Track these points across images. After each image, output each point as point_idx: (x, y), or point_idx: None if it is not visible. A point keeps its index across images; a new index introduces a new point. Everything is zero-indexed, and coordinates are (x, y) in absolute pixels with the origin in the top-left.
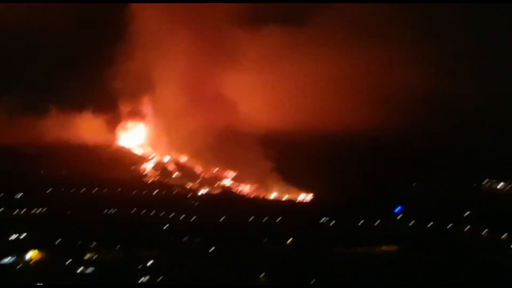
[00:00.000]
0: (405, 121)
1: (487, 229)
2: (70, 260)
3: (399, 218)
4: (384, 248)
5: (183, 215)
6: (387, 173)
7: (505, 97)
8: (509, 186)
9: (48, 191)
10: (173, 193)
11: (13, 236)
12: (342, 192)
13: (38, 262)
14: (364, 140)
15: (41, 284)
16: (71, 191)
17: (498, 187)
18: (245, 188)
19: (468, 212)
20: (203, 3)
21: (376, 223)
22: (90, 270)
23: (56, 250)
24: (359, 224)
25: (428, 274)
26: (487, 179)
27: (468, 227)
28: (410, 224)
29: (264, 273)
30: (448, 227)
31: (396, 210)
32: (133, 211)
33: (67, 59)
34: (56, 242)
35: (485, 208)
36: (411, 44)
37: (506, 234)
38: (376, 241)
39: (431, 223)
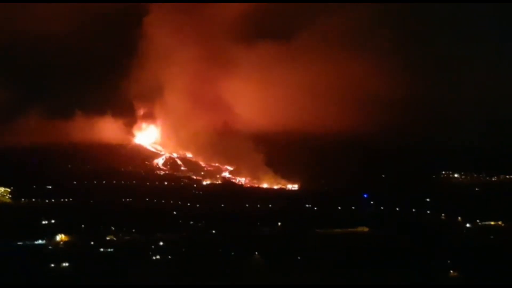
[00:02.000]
0: (378, 121)
1: (444, 213)
2: (93, 242)
3: (371, 204)
4: (358, 229)
5: (189, 203)
6: (361, 166)
7: (463, 101)
8: (463, 177)
9: (74, 183)
10: (181, 184)
11: (45, 222)
12: (323, 183)
13: (66, 244)
14: (342, 138)
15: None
16: (94, 183)
17: (454, 177)
18: (242, 180)
19: (429, 199)
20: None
21: (352, 208)
22: (110, 250)
23: (81, 234)
24: (337, 209)
25: (396, 250)
26: (444, 171)
27: (429, 211)
28: (380, 209)
29: (257, 252)
30: (412, 211)
31: (364, 196)
32: (146, 200)
33: (90, 70)
34: (81, 227)
35: (443, 196)
36: (387, 54)
37: (460, 217)
38: (351, 223)
39: (398, 208)
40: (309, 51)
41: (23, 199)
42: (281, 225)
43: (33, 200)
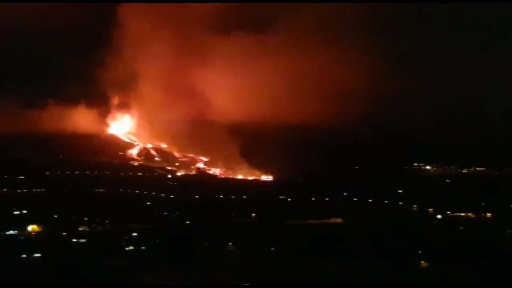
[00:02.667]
0: (352, 114)
1: (416, 205)
2: (65, 232)
3: (344, 196)
4: (331, 220)
5: (164, 193)
6: (335, 158)
7: (436, 95)
8: (434, 168)
9: (46, 173)
10: (155, 174)
11: (16, 212)
12: (297, 174)
13: (37, 234)
14: (317, 131)
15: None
16: (67, 173)
17: (426, 169)
18: (216, 171)
19: (401, 191)
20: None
21: (325, 199)
22: (83, 240)
23: (53, 224)
24: (311, 200)
25: (368, 241)
26: (416, 163)
27: (401, 203)
28: (354, 200)
29: (231, 242)
30: (385, 203)
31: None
32: (120, 190)
33: (64, 59)
34: (53, 218)
35: (415, 187)
36: (363, 47)
37: (431, 208)
38: (325, 214)
39: (371, 200)
40: (286, 44)
41: None
42: (255, 216)
43: (5, 190)
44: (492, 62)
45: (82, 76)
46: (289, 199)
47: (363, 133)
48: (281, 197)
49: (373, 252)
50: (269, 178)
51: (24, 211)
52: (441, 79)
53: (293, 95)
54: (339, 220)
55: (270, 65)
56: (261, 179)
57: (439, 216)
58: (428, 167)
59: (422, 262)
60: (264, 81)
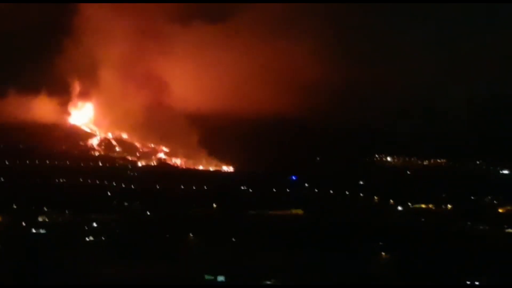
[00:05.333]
0: (313, 106)
1: (377, 196)
2: (24, 223)
3: (306, 187)
4: (292, 211)
5: (124, 184)
6: (296, 149)
7: (398, 87)
8: (395, 160)
9: (5, 163)
10: (116, 165)
11: None
12: (258, 165)
13: None
14: (278, 122)
15: None
16: (27, 163)
17: (387, 160)
18: (177, 161)
19: (362, 182)
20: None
21: (286, 191)
22: (42, 231)
23: (12, 214)
24: (272, 191)
25: (329, 232)
26: (377, 155)
27: (362, 194)
28: (315, 191)
29: (192, 233)
30: (346, 194)
31: (292, 178)
32: (80, 180)
33: (23, 47)
34: (12, 208)
35: (376, 179)
36: (325, 39)
37: (392, 200)
38: (286, 205)
39: (332, 191)
40: (246, 34)
41: None
42: (216, 206)
43: None
44: (453, 53)
45: (42, 64)
46: (250, 190)
47: (324, 125)
48: (242, 188)
49: (333, 243)
50: (230, 169)
51: None
52: (402, 71)
53: (253, 85)
54: (300, 212)
55: (230, 55)
56: (222, 170)
57: (400, 208)
58: (389, 159)
59: (383, 253)
60: (224, 70)
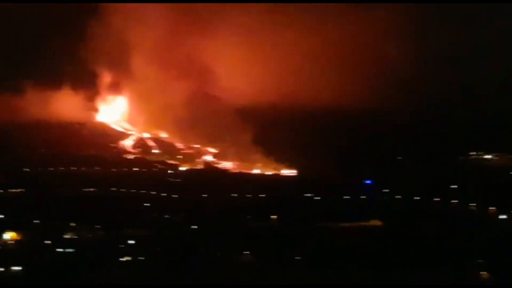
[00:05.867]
0: (392, 96)
1: (474, 203)
2: (49, 241)
3: (385, 193)
4: (369, 223)
5: (165, 192)
6: (372, 147)
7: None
8: (496, 158)
9: (25, 171)
10: (154, 170)
11: None
12: (325, 167)
13: (16, 243)
14: (349, 115)
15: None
16: (49, 170)
17: (486, 159)
18: (227, 164)
19: (454, 186)
20: None
21: (362, 198)
22: (69, 250)
23: (34, 231)
24: (344, 199)
25: (413, 248)
26: (474, 152)
27: (455, 201)
28: (396, 198)
29: (248, 251)
30: (435, 201)
31: (367, 182)
32: (112, 189)
33: (41, 33)
34: (34, 223)
35: (472, 181)
36: (404, 20)
37: (493, 207)
38: (361, 216)
39: (417, 197)
40: (307, 11)
41: None
42: (276, 218)
43: None
44: None
45: (65, 54)
46: (317, 198)
47: (405, 118)
48: (307, 195)
49: (421, 261)
50: (292, 172)
51: (0, 216)
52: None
53: (317, 73)
54: (378, 223)
55: (288, 36)
56: (282, 174)
57: (502, 217)
58: (488, 157)
59: (483, 273)
60: (281, 55)
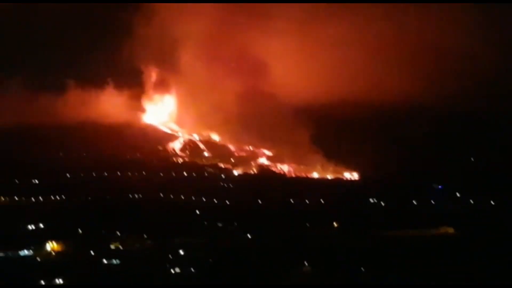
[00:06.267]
0: (460, 92)
1: None
2: (93, 251)
3: (457, 197)
4: (439, 230)
5: (217, 199)
6: (440, 148)
7: None
8: None
9: (67, 176)
10: (205, 174)
11: (31, 226)
12: (391, 170)
13: (58, 254)
14: (415, 113)
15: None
16: (93, 175)
17: None
18: (284, 168)
19: None
20: None
21: (431, 203)
22: (115, 261)
23: (78, 241)
24: (412, 204)
25: (489, 258)
26: None
27: None
28: (470, 203)
29: (307, 262)
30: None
31: (438, 186)
32: (161, 196)
33: (83, 29)
34: (78, 232)
35: None
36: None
37: None
38: (431, 223)
39: (493, 202)
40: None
41: (2, 198)
42: (337, 226)
43: (15, 198)
44: None
45: (108, 50)
46: (382, 204)
47: (478, 115)
48: (372, 200)
49: (497, 271)
50: (354, 176)
51: (41, 225)
52: None
53: (379, 67)
54: (450, 230)
55: (348, 28)
56: (344, 178)
57: None
58: None
59: None
60: (340, 49)
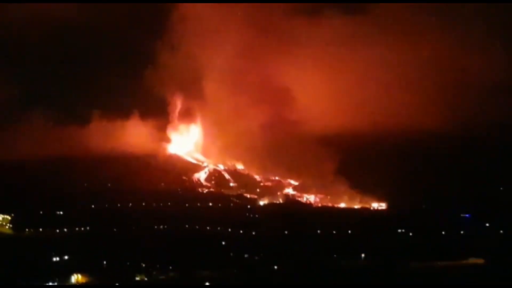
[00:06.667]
0: (490, 120)
1: None
2: (119, 283)
3: (486, 227)
4: (468, 261)
5: (243, 229)
6: (469, 176)
7: None
8: None
9: (92, 207)
10: (230, 205)
11: (56, 258)
12: (419, 199)
13: (84, 286)
14: (442, 141)
15: None
16: (118, 206)
17: None
18: (310, 198)
19: None
20: None
21: (460, 233)
22: None
23: (103, 273)
24: (440, 235)
25: None
26: None
27: None
28: (499, 233)
29: None
30: None
31: (466, 216)
32: (186, 227)
33: (109, 59)
34: (103, 264)
35: None
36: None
37: None
38: (460, 253)
39: None
40: (394, 28)
41: (27, 229)
42: (365, 257)
43: (40, 230)
44: None
45: (133, 79)
46: (411, 234)
47: (507, 144)
48: (400, 231)
49: None
50: (382, 205)
51: (66, 257)
52: None
53: (406, 95)
54: (480, 261)
55: (373, 56)
56: (371, 208)
57: None
58: None
59: None
60: (366, 76)
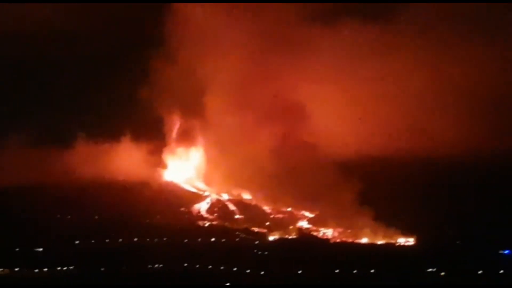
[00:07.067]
0: None
1: None
2: None
3: None
4: None
5: (250, 268)
6: (506, 208)
7: None
8: None
9: (76, 243)
10: (236, 240)
11: None
12: (451, 233)
13: None
14: (474, 168)
15: None
16: (106, 241)
17: None
18: (328, 232)
19: None
20: None
21: (498, 272)
22: None
23: None
24: (476, 274)
25: None
26: None
27: None
28: None
29: None
30: None
31: (505, 252)
32: (185, 266)
33: (95, 72)
34: None
35: None
36: None
37: None
38: None
39: None
40: (418, 39)
41: (0, 269)
42: None
43: (16, 270)
44: None
45: (124, 96)
46: (442, 273)
47: None
48: (430, 270)
49: None
50: (410, 241)
51: None
52: None
53: (433, 116)
54: None
55: (396, 71)
56: (397, 243)
57: None
58: None
59: None
60: (391, 93)
